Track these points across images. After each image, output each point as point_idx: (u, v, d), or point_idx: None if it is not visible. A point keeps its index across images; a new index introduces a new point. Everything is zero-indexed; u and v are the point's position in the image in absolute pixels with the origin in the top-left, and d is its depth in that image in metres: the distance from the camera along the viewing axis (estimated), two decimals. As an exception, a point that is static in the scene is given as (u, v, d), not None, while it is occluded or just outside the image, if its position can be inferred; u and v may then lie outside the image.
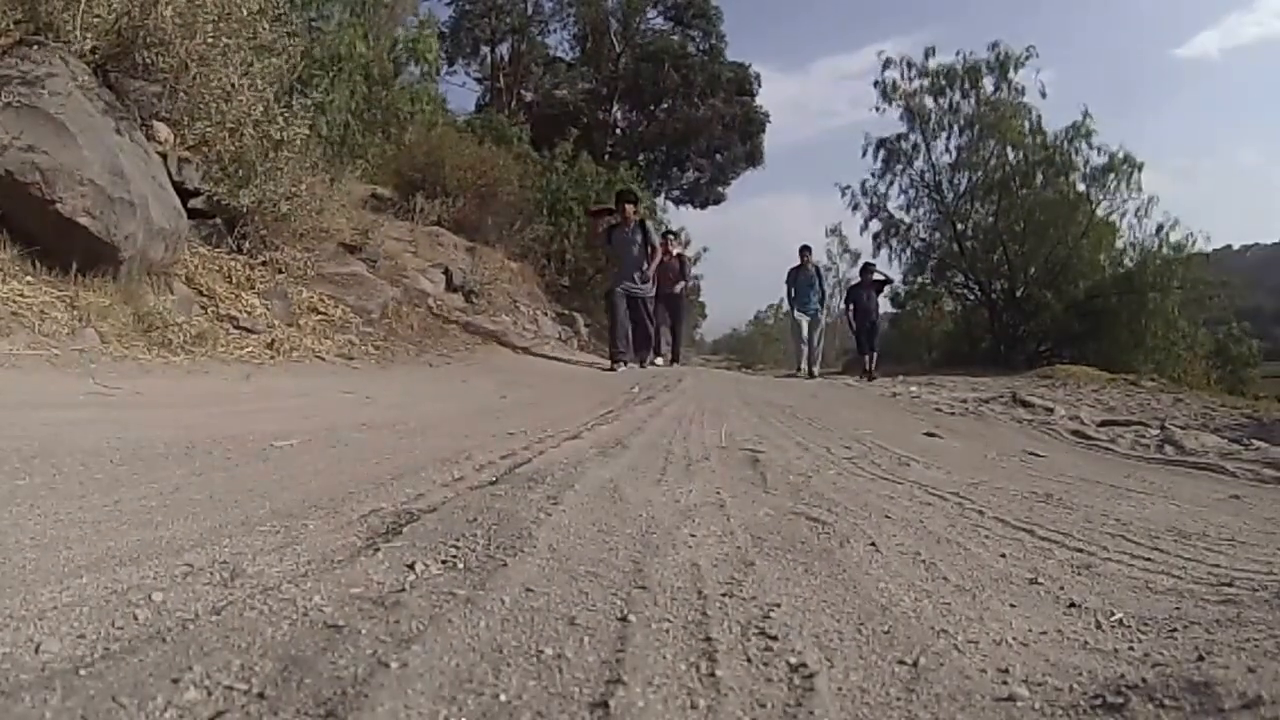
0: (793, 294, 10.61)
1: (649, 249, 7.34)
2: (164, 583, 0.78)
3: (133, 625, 0.67)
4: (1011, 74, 15.43)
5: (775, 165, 24.39)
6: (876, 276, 11.35)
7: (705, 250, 28.55)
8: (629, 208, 7.31)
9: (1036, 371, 11.13)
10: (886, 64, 16.38)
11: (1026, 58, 15.44)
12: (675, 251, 9.26)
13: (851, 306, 11.07)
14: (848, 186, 17.21)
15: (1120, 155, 14.46)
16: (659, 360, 7.72)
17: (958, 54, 15.95)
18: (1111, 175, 14.42)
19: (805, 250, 10.74)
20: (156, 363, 2.84)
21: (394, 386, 3.50)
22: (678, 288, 9.00)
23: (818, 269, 10.83)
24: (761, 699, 0.59)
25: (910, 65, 16.23)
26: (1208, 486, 2.27)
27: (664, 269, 8.20)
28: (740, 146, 22.18)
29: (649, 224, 7.55)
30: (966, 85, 15.68)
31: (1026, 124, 15.29)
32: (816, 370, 10.48)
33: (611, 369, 6.65)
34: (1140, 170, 14.45)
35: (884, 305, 12.09)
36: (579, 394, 3.83)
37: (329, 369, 3.75)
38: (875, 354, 10.93)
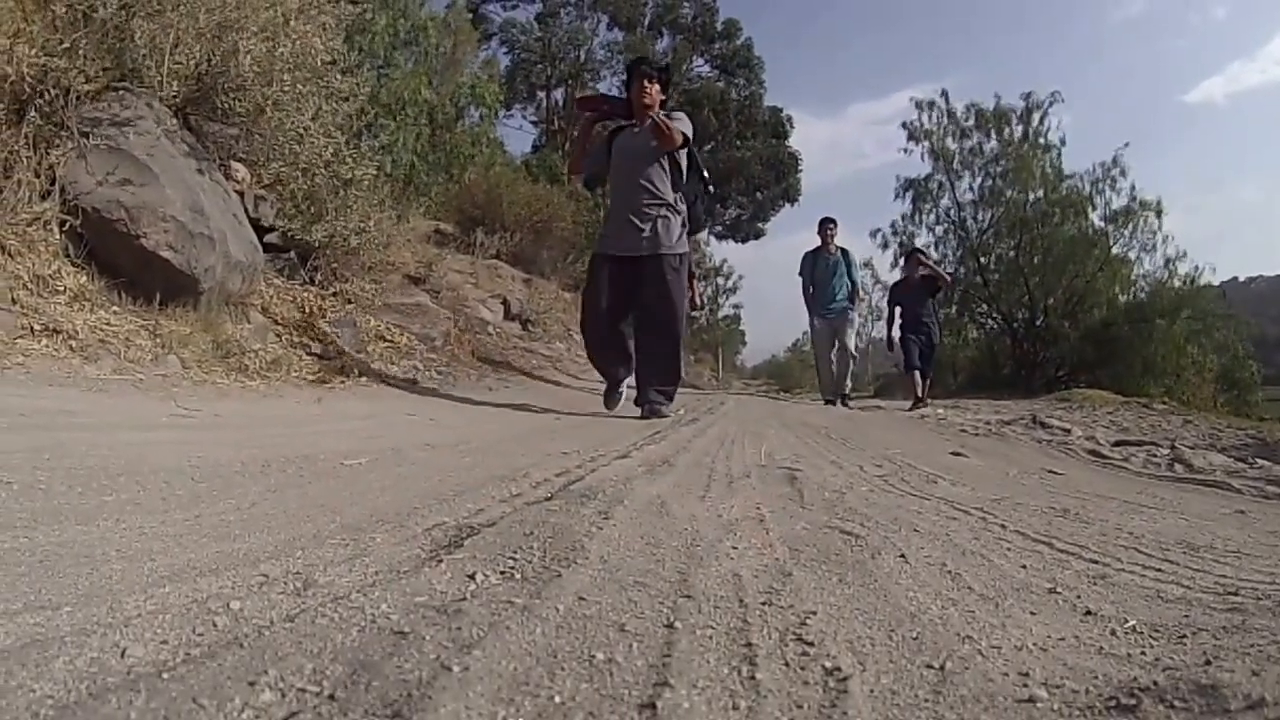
0: (810, 289, 7.46)
1: (677, 169, 3.83)
2: (241, 592, 0.80)
3: (212, 632, 0.69)
4: (1035, 121, 16.17)
5: (810, 202, 25.04)
6: (923, 271, 8.05)
7: (742, 278, 29.11)
8: (649, 87, 3.77)
9: (1055, 395, 11.13)
10: (917, 106, 17.05)
11: (1051, 103, 16.16)
12: None
13: (899, 311, 7.89)
14: (878, 229, 17.84)
15: (1140, 199, 15.16)
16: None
17: (995, 96, 16.71)
18: (1130, 219, 15.11)
19: (826, 225, 7.54)
20: (234, 387, 2.96)
21: (456, 409, 3.56)
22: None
23: (845, 252, 7.56)
24: (799, 700, 0.61)
25: (935, 107, 16.94)
26: (1215, 502, 2.30)
27: None
28: (777, 185, 22.59)
29: (683, 118, 3.84)
30: (991, 129, 16.39)
31: (1048, 164, 15.88)
32: (849, 390, 7.64)
33: (606, 405, 3.93)
34: (1160, 214, 15.11)
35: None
36: (628, 416, 3.83)
37: (395, 393, 3.84)
38: (929, 378, 8.03)
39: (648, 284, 3.77)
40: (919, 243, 17.11)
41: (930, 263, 8.78)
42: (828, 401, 7.47)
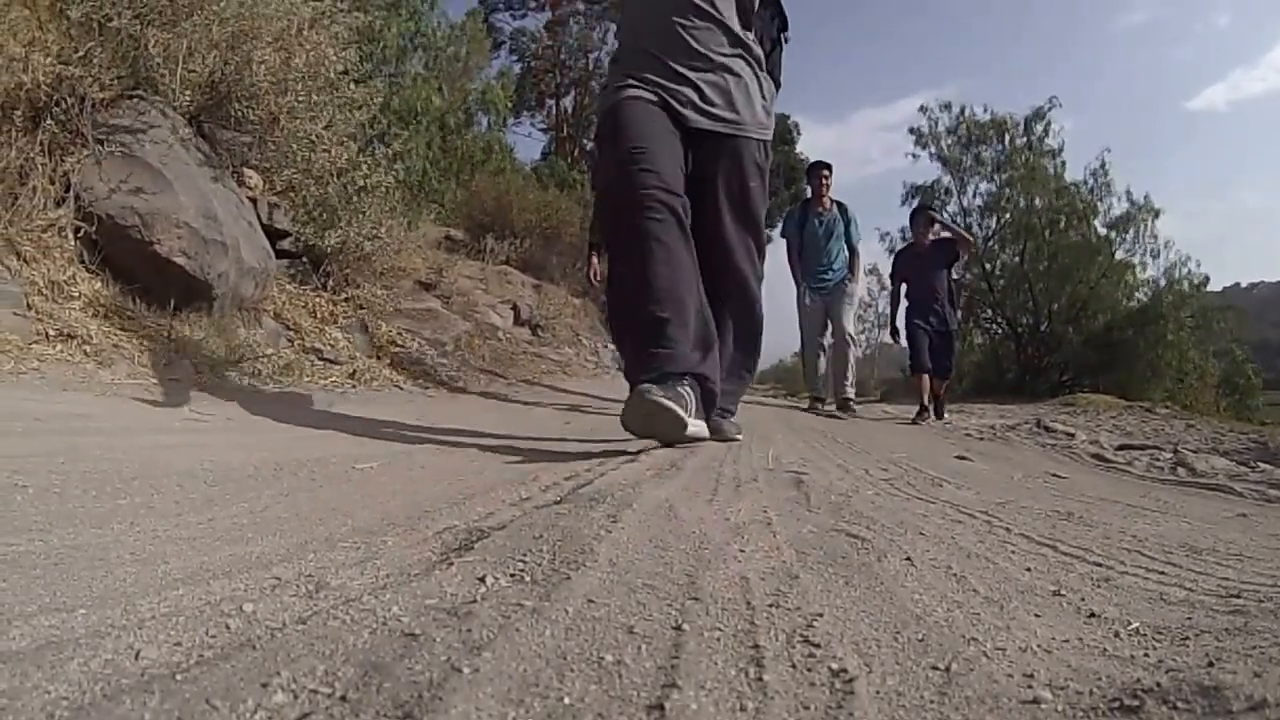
0: (799, 253, 5.74)
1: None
2: (254, 594, 0.80)
3: (225, 634, 0.69)
4: (1037, 128, 16.44)
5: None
6: (940, 232, 6.09)
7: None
8: None
9: (1059, 400, 11.27)
10: (924, 112, 17.38)
11: (1050, 108, 16.47)
12: None
13: (904, 287, 6.05)
14: (887, 232, 18.18)
15: (1140, 204, 15.48)
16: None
17: (985, 110, 16.98)
18: (1131, 224, 15.42)
19: (819, 171, 5.81)
20: (246, 391, 2.97)
21: (465, 413, 3.57)
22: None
23: (842, 208, 5.75)
24: (805, 701, 0.60)
25: (946, 110, 17.22)
26: (1217, 506, 2.29)
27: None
28: (786, 191, 22.68)
29: None
30: (993, 136, 16.69)
31: (1051, 170, 16.15)
32: (851, 393, 5.83)
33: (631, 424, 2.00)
34: (1157, 216, 15.43)
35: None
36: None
37: (406, 397, 3.86)
38: (946, 380, 6.13)
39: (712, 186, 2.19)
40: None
41: (947, 222, 6.58)
42: (814, 401, 5.99)
